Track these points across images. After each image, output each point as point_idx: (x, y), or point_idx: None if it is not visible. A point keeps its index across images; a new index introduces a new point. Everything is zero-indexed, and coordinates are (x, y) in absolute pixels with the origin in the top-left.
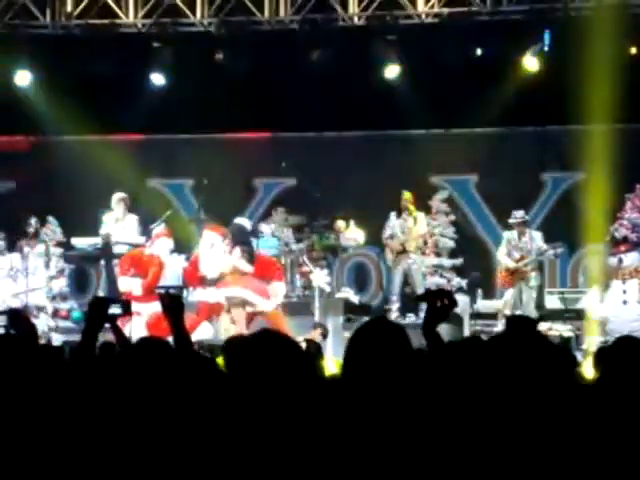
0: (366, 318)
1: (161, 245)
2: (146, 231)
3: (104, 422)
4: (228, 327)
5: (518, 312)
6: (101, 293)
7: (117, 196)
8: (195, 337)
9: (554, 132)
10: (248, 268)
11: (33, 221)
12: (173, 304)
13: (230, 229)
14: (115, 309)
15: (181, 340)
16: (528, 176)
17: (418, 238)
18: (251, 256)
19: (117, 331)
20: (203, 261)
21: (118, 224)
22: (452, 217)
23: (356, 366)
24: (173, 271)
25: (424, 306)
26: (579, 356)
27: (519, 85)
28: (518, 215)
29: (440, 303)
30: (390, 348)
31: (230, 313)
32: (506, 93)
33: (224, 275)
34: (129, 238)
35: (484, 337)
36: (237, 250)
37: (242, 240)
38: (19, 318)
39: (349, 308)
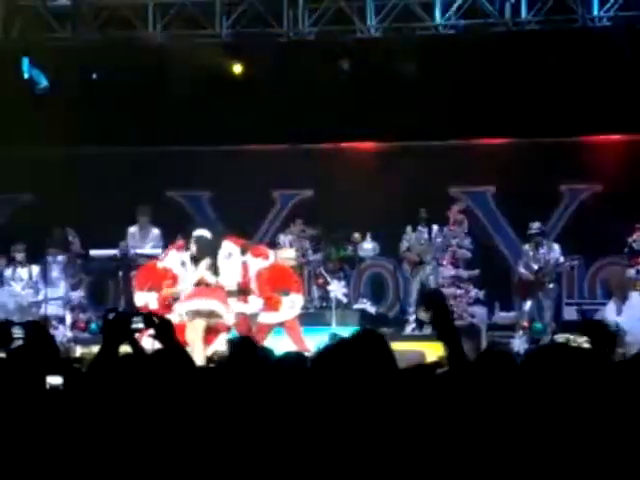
0: (383, 329)
1: (172, 258)
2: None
3: (125, 433)
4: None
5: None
6: (120, 304)
7: (140, 208)
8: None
9: (571, 144)
10: (213, 280)
11: (57, 231)
12: (160, 324)
13: (195, 241)
14: (137, 324)
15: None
16: (545, 187)
17: (435, 250)
18: (216, 268)
19: (135, 344)
20: (222, 272)
21: (141, 236)
22: (469, 228)
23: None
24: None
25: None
26: None
27: (536, 96)
28: (534, 227)
29: (430, 309)
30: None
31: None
32: (521, 104)
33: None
34: (148, 250)
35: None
36: (205, 262)
37: (207, 252)
38: (37, 330)
39: (366, 319)
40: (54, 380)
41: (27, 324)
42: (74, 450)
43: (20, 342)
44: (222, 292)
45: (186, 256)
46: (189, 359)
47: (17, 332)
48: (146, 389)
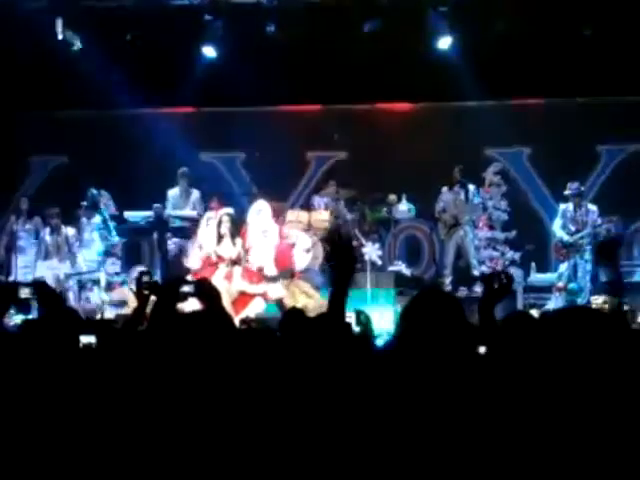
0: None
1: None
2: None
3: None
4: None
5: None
6: (155, 266)
7: (181, 171)
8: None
9: (609, 103)
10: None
11: (90, 193)
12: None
13: (230, 219)
14: (187, 289)
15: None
16: (582, 148)
17: (471, 212)
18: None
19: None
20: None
21: (182, 199)
22: (505, 189)
23: (410, 337)
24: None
25: (478, 279)
26: None
27: (573, 54)
28: (573, 187)
29: (497, 284)
30: (445, 319)
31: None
32: (559, 62)
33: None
34: (182, 212)
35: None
36: (239, 240)
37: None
38: (44, 290)
39: (401, 281)
40: (87, 339)
41: (35, 284)
42: (110, 407)
43: (30, 302)
44: (257, 275)
45: (212, 214)
46: (231, 322)
47: (25, 292)
48: (186, 350)
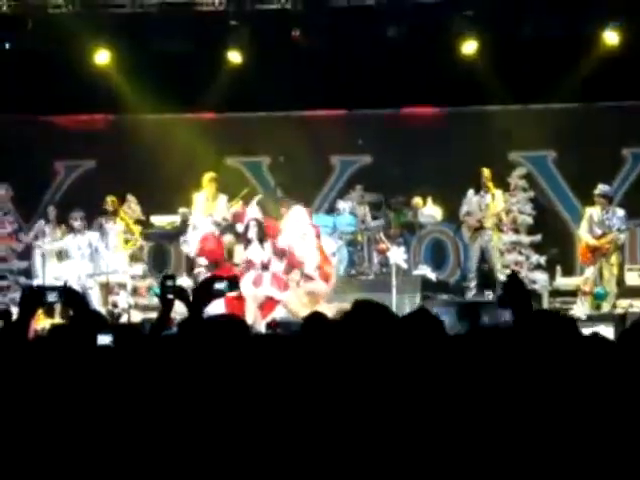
0: (444, 295)
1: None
2: None
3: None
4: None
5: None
6: (180, 270)
7: (208, 176)
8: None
9: (634, 106)
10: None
11: (110, 199)
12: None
13: (256, 223)
14: (221, 286)
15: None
16: (608, 151)
17: (495, 215)
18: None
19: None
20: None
21: (208, 204)
22: (530, 193)
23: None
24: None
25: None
26: None
27: (599, 59)
28: (605, 189)
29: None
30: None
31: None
32: (585, 67)
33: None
34: (207, 217)
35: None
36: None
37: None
38: (71, 293)
39: (426, 285)
40: (104, 339)
41: (61, 288)
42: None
43: (55, 305)
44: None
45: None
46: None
47: (52, 295)
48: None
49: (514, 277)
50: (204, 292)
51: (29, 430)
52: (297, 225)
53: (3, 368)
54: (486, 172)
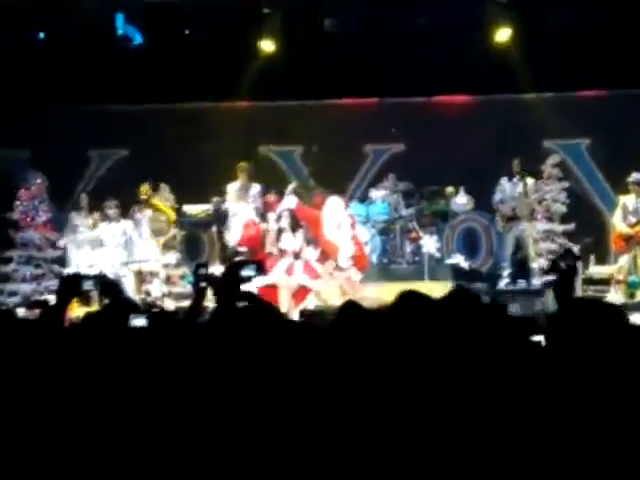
0: (477, 284)
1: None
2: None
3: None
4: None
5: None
6: (213, 259)
7: (241, 165)
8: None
9: None
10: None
11: (143, 188)
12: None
13: (289, 214)
14: (249, 271)
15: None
16: None
17: (529, 204)
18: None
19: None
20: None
21: (242, 192)
22: (564, 182)
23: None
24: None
25: (535, 272)
26: None
27: (630, 45)
28: (639, 177)
29: (565, 265)
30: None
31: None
32: (619, 53)
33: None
34: (239, 206)
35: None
36: (301, 233)
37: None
38: (106, 282)
39: (459, 274)
40: (139, 322)
41: (97, 277)
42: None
43: (91, 294)
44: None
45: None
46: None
47: (88, 284)
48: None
49: (569, 251)
50: (232, 278)
51: (64, 415)
52: (333, 215)
53: (42, 356)
54: (519, 161)
